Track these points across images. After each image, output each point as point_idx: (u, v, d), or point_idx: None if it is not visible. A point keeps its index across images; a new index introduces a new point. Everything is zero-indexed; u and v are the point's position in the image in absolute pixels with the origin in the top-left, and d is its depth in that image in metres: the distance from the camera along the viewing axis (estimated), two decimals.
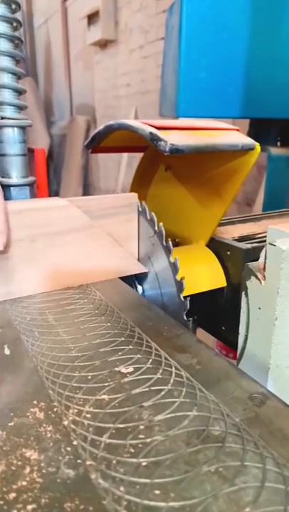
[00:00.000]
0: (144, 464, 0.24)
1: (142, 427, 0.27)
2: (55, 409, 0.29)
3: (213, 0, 1.06)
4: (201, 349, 0.37)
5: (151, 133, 0.46)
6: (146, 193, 0.69)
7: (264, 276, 0.43)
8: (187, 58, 1.07)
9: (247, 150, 0.52)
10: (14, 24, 0.56)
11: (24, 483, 0.23)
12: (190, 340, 0.38)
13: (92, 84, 3.27)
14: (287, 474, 0.23)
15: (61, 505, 0.21)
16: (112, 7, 2.68)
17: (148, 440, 0.26)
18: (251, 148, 0.52)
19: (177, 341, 0.38)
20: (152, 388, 0.31)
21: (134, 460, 0.24)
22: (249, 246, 0.54)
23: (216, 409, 0.29)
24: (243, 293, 0.47)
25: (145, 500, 0.22)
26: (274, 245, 0.42)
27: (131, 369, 0.34)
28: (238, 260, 0.54)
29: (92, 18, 2.79)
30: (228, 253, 0.55)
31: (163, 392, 0.31)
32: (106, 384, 0.32)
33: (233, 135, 0.55)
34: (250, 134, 1.28)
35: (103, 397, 0.30)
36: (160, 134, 0.46)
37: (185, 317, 0.47)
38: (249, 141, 0.53)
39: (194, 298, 0.52)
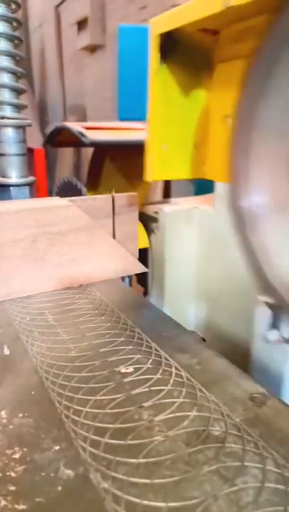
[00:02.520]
0: (144, 464, 0.24)
1: (142, 427, 0.27)
2: (55, 410, 0.29)
3: (140, 35, 1.49)
4: (201, 349, 0.37)
5: (79, 131, 0.63)
6: (99, 181, 0.87)
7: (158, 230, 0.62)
8: (123, 77, 1.53)
9: None
10: (14, 24, 0.56)
11: (24, 483, 0.23)
12: (190, 341, 0.38)
13: (83, 86, 3.32)
14: (287, 474, 0.23)
15: (61, 505, 0.21)
16: (99, 14, 2.77)
17: (148, 440, 0.26)
18: None
19: (177, 341, 0.38)
20: (152, 388, 0.31)
21: (134, 460, 0.24)
22: None
23: (216, 410, 0.29)
24: (149, 245, 0.66)
25: (145, 500, 0.22)
26: (162, 210, 0.61)
27: (131, 369, 0.34)
28: None
29: (81, 24, 2.89)
30: (150, 222, 0.70)
31: (163, 393, 0.31)
32: (106, 384, 0.32)
33: (143, 133, 0.61)
34: None
35: (103, 397, 0.30)
36: (85, 132, 0.63)
37: None
38: None
39: None
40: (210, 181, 0.54)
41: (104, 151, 0.73)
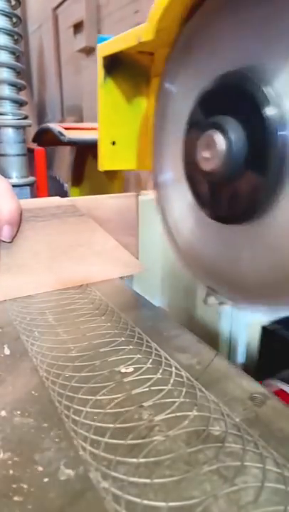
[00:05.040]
0: (144, 463, 0.24)
1: (142, 427, 0.27)
2: (55, 410, 0.29)
3: None
4: (201, 349, 0.37)
5: (59, 131, 0.74)
6: (82, 177, 0.97)
7: None
8: None
9: None
10: (14, 20, 0.56)
11: (24, 483, 0.23)
12: (190, 341, 0.38)
13: (80, 87, 3.34)
14: (287, 474, 0.23)
15: (61, 505, 0.21)
16: (94, 17, 2.78)
17: (148, 440, 0.26)
18: None
19: (177, 341, 0.38)
20: (152, 388, 0.31)
21: (134, 460, 0.24)
22: None
23: (216, 410, 0.29)
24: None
25: (145, 500, 0.22)
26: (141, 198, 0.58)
27: (131, 369, 0.34)
28: None
29: (77, 27, 2.90)
30: None
31: (163, 392, 0.31)
32: (106, 384, 0.32)
33: None
34: None
35: (103, 397, 0.30)
36: (64, 132, 0.73)
37: None
38: None
39: None
40: None
41: (87, 149, 0.83)
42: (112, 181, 0.88)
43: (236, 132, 0.30)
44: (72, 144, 0.81)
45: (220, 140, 0.31)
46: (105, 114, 0.54)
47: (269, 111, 0.28)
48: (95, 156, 0.87)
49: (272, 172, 0.28)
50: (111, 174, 0.89)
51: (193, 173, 0.37)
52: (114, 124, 0.54)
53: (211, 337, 0.59)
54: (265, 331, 0.52)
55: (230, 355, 0.57)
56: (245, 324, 0.56)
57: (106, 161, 0.55)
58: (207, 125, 0.32)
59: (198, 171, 0.34)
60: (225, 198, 0.34)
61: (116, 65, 0.50)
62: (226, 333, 0.56)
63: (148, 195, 0.64)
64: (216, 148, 0.31)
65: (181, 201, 0.41)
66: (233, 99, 0.31)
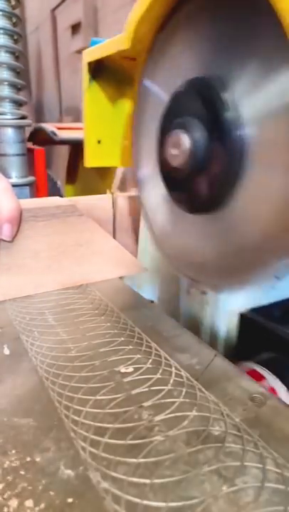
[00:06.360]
0: (144, 463, 0.24)
1: (141, 427, 0.27)
2: (54, 410, 0.29)
3: None
4: (201, 349, 0.37)
5: (52, 131, 0.80)
6: (76, 175, 1.06)
7: None
8: None
9: None
10: (14, 20, 0.56)
11: (24, 484, 0.23)
12: (190, 341, 0.38)
13: (78, 87, 3.33)
14: (287, 474, 0.23)
15: (61, 506, 0.21)
16: (92, 19, 2.81)
17: (148, 440, 0.26)
18: None
19: (177, 341, 0.38)
20: (152, 388, 0.31)
21: (134, 460, 0.24)
22: None
23: (215, 410, 0.29)
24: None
25: (145, 500, 0.22)
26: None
27: (131, 369, 0.34)
28: None
29: (75, 28, 2.92)
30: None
31: (163, 392, 0.31)
32: (106, 384, 0.32)
33: None
34: None
35: (103, 397, 0.30)
36: (56, 131, 0.81)
37: None
38: None
39: None
40: None
41: (80, 148, 0.82)
42: (103, 179, 0.94)
43: (199, 132, 0.34)
44: (65, 143, 0.88)
45: (185, 139, 0.35)
46: (90, 115, 0.57)
47: (227, 114, 0.31)
48: None
49: (231, 168, 0.32)
50: (102, 172, 0.95)
51: (165, 168, 0.40)
52: (99, 124, 0.58)
53: (194, 326, 0.58)
54: (243, 317, 0.54)
55: (212, 342, 0.57)
56: (225, 312, 0.55)
57: (91, 158, 0.59)
58: (175, 125, 0.36)
59: (169, 167, 0.38)
60: (190, 190, 0.37)
61: (101, 69, 0.53)
62: (209, 321, 0.56)
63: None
64: (182, 146, 0.35)
65: (157, 194, 0.45)
66: (198, 102, 0.34)
